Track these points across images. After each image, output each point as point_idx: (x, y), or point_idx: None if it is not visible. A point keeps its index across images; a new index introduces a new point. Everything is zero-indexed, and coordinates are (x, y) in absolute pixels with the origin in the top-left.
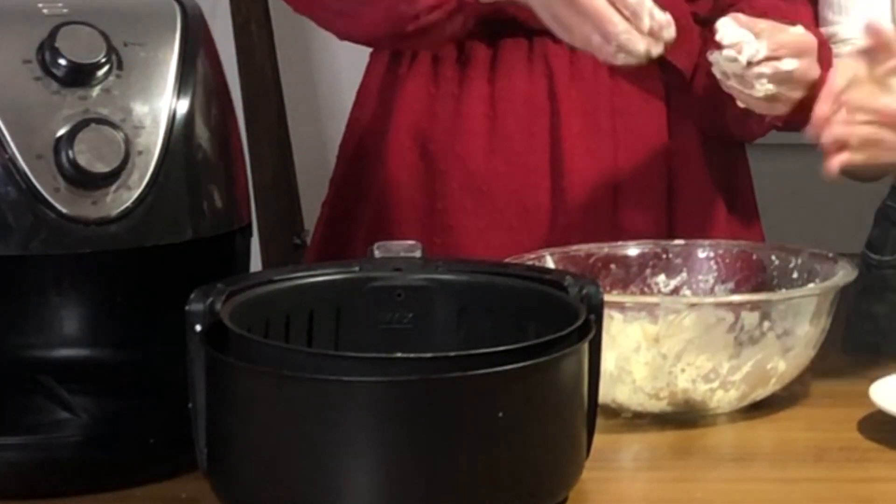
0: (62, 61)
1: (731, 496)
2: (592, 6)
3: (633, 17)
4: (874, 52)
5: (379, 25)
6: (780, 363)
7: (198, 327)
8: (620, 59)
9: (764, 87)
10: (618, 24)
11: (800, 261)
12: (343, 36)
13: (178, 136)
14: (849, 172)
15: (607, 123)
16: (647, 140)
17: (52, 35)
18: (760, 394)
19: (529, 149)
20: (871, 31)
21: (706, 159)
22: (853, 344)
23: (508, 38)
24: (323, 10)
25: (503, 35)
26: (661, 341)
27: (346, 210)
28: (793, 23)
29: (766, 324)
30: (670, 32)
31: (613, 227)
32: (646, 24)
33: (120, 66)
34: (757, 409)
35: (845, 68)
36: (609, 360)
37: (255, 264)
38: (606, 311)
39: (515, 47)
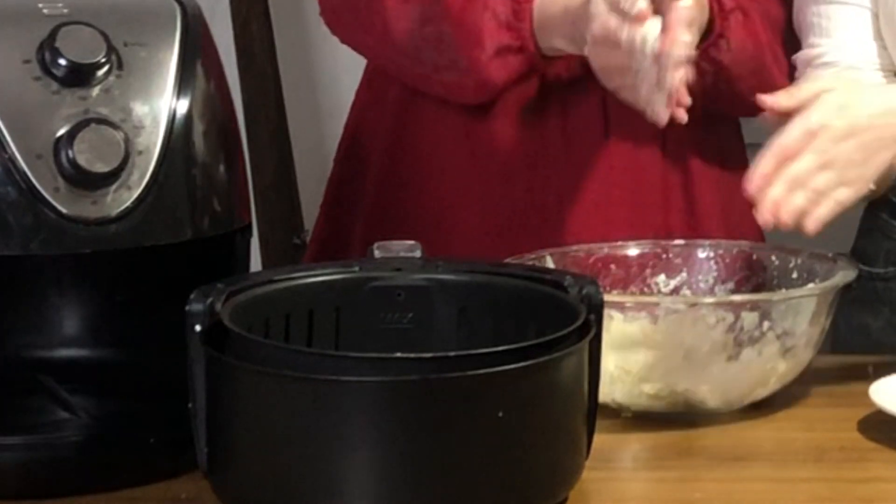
0: (62, 61)
1: (731, 496)
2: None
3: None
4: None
5: (451, 93)
6: (780, 363)
7: (198, 327)
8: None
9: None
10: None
11: (800, 261)
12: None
13: (178, 136)
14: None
15: (599, 121)
16: (639, 138)
17: (52, 35)
18: (760, 394)
19: (516, 152)
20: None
21: (702, 158)
22: (842, 354)
23: None
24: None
25: None
26: (661, 341)
27: (342, 211)
28: None
29: (766, 324)
30: (679, 50)
31: (608, 225)
32: (646, 51)
33: (120, 66)
34: (757, 409)
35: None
36: (609, 360)
37: (255, 264)
38: (606, 311)
39: None
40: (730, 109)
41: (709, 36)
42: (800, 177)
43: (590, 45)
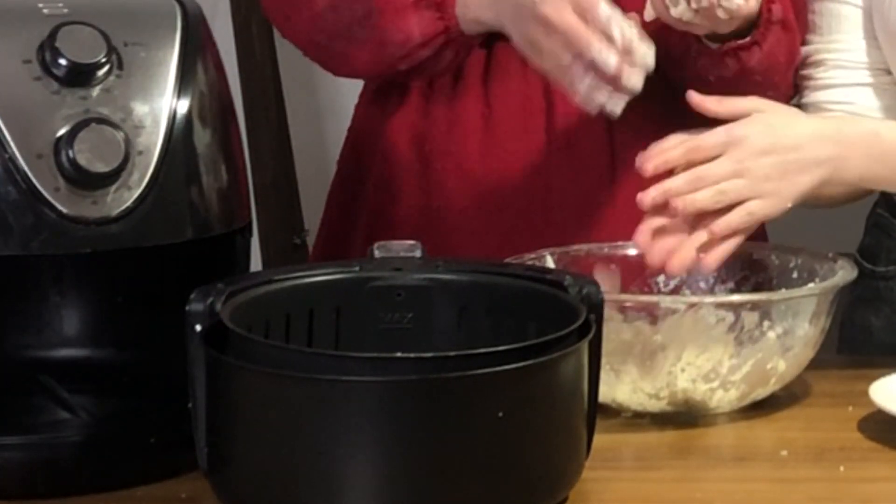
0: (62, 61)
1: (731, 496)
2: (564, 22)
3: (604, 33)
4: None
5: (370, 65)
6: (780, 363)
7: (198, 327)
8: (585, 84)
9: (679, 10)
10: (590, 38)
11: (800, 261)
12: (337, 74)
13: (178, 136)
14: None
15: (602, 121)
16: (643, 137)
17: (53, 35)
18: (760, 394)
19: (524, 148)
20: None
21: None
22: (848, 353)
23: (502, 40)
24: (314, 49)
25: (497, 37)
26: (661, 341)
27: (345, 210)
28: None
29: (766, 323)
30: (646, 55)
31: (610, 225)
32: (616, 36)
33: (120, 65)
34: (757, 409)
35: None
36: (609, 360)
37: (255, 264)
38: (606, 311)
39: (509, 48)
40: None
41: (745, 38)
42: (706, 176)
43: (527, 23)
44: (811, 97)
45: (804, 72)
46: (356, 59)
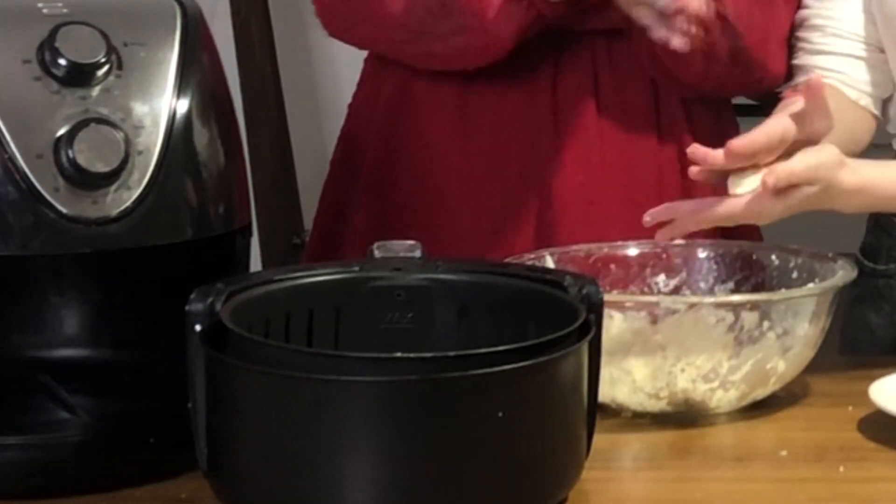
0: (62, 61)
1: (731, 496)
2: None
3: None
4: (809, 112)
5: (461, 59)
6: (780, 363)
7: (198, 327)
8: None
9: None
10: None
11: (800, 261)
12: (429, 68)
13: (178, 136)
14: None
15: (592, 118)
16: (633, 131)
17: (52, 35)
18: (760, 394)
19: (509, 147)
20: (810, 89)
21: None
22: (849, 352)
23: None
24: (389, 49)
25: None
26: (661, 341)
27: (337, 210)
28: None
29: (766, 324)
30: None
31: (602, 221)
32: None
33: (120, 65)
34: (757, 409)
35: (777, 124)
36: (609, 360)
37: (255, 264)
38: (606, 311)
39: None
40: (734, 82)
41: None
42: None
43: None
44: (804, 59)
45: (800, 34)
46: (442, 52)
